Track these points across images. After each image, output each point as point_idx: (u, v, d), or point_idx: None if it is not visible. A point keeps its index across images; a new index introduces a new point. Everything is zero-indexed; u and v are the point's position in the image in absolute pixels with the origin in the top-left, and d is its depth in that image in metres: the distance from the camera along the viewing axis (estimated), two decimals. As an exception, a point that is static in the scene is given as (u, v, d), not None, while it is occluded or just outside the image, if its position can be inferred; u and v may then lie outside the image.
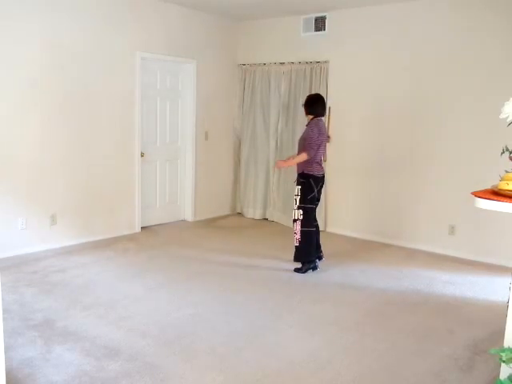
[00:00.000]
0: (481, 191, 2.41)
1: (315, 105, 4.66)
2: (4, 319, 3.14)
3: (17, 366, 2.83)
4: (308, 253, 4.67)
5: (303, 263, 4.69)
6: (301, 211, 4.59)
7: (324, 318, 3.67)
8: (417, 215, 5.64)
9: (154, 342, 3.19)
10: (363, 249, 5.60)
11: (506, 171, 2.44)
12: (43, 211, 5.09)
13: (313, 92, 6.31)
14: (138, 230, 6.03)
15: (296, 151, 6.51)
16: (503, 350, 2.08)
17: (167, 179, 6.49)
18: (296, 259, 4.73)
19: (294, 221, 4.64)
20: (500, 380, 2.01)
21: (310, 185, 4.58)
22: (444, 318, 3.75)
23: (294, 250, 4.74)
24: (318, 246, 4.85)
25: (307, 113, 4.68)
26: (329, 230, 6.34)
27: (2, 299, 3.33)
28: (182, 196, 6.70)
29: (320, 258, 4.85)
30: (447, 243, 5.44)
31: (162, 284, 4.26)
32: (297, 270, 4.68)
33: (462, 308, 3.97)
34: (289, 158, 4.92)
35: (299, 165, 4.61)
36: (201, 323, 3.49)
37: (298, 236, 4.63)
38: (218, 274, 4.58)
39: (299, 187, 4.61)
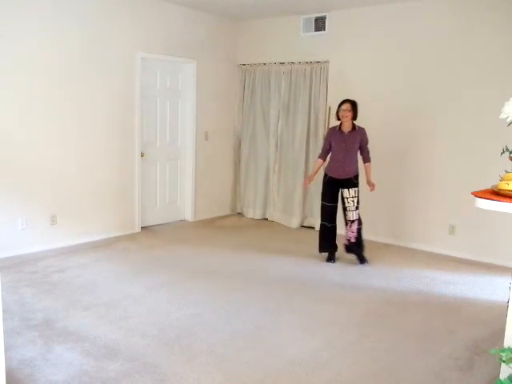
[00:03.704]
0: (481, 191, 2.41)
1: None
2: (4, 319, 3.15)
3: (17, 366, 2.83)
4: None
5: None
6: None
7: (324, 318, 3.67)
8: (417, 215, 5.64)
9: (154, 342, 3.19)
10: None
11: (506, 171, 2.45)
12: (43, 211, 5.09)
13: (312, 92, 6.33)
14: (138, 229, 6.03)
15: (296, 152, 6.55)
16: (503, 350, 2.08)
17: (167, 179, 6.49)
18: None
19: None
20: (500, 380, 2.01)
21: (323, 182, 5.06)
22: (444, 318, 3.75)
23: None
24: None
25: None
26: (329, 229, 6.34)
27: (2, 299, 3.34)
28: (182, 196, 6.71)
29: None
30: (447, 243, 5.44)
31: (162, 284, 4.26)
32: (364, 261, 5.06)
33: (461, 308, 3.97)
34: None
35: None
36: (201, 323, 3.49)
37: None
38: (218, 274, 4.58)
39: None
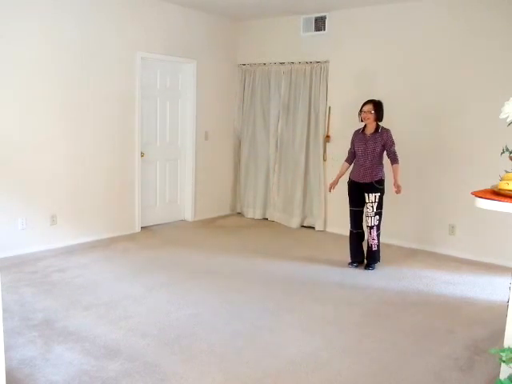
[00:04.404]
0: (481, 191, 2.41)
1: None
2: (4, 319, 3.15)
3: (17, 366, 2.83)
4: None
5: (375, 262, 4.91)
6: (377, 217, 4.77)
7: (324, 318, 3.67)
8: (417, 215, 5.64)
9: (154, 341, 3.19)
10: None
11: (506, 171, 2.45)
12: (43, 211, 5.09)
13: (312, 92, 6.33)
14: (138, 229, 6.03)
15: (296, 152, 6.56)
16: (503, 350, 2.08)
17: (167, 179, 6.49)
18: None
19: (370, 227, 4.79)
20: (500, 380, 2.01)
21: (347, 185, 4.94)
22: (444, 318, 3.75)
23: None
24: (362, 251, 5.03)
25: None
26: (328, 229, 6.34)
27: (2, 299, 3.33)
28: (182, 196, 6.70)
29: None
30: (447, 243, 5.44)
31: (162, 284, 4.26)
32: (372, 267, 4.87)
33: (461, 308, 3.97)
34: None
35: None
36: (201, 323, 3.49)
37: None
38: (217, 274, 4.58)
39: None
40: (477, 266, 5.07)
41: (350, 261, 4.97)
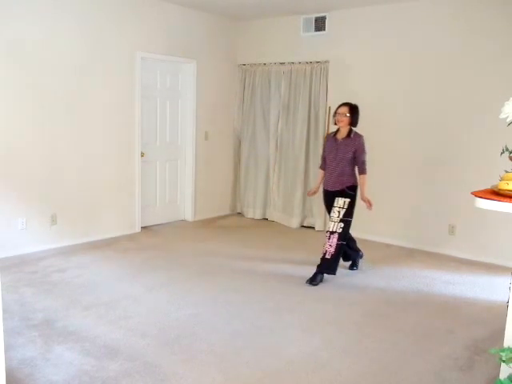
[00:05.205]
0: (481, 191, 2.41)
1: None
2: (4, 319, 3.14)
3: (17, 366, 2.83)
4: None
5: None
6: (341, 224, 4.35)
7: (324, 318, 3.67)
8: (417, 215, 5.64)
9: (154, 341, 3.19)
10: (363, 249, 5.59)
11: (506, 171, 2.44)
12: (43, 211, 5.09)
13: (312, 92, 6.33)
14: (138, 229, 6.03)
15: (296, 152, 6.56)
16: (503, 350, 2.08)
17: (167, 179, 6.49)
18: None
19: (332, 233, 4.35)
20: (500, 380, 2.01)
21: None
22: (444, 318, 3.75)
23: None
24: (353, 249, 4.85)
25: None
26: (329, 229, 6.34)
27: (2, 299, 3.33)
28: (182, 196, 6.71)
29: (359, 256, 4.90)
30: (447, 243, 5.44)
31: (162, 284, 4.26)
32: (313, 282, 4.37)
33: (461, 308, 3.97)
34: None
35: None
36: (201, 323, 3.49)
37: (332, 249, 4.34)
38: (218, 274, 4.58)
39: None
40: (477, 266, 5.07)
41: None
